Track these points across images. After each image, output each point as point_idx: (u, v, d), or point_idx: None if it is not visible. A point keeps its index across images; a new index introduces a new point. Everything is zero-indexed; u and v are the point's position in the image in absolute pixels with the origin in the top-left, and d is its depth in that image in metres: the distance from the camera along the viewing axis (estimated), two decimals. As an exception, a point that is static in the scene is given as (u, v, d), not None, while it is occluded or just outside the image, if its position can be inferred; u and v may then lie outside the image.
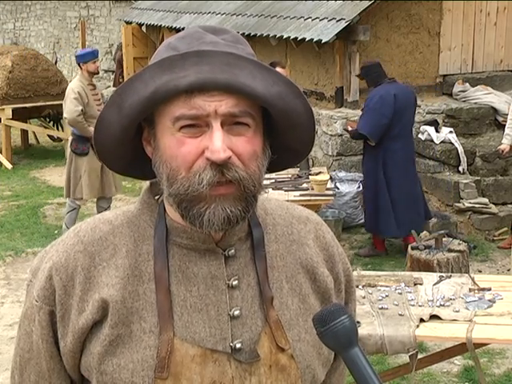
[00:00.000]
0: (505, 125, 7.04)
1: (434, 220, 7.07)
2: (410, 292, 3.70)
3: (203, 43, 1.19)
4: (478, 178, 7.58)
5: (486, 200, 7.37)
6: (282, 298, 1.30)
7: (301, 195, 6.08)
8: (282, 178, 6.47)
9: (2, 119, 10.81)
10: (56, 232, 7.56)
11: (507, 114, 6.94)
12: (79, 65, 7.05)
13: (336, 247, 1.41)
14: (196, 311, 1.24)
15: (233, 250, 1.28)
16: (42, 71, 11.18)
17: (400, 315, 3.44)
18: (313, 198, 6.08)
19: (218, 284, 1.26)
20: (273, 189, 6.21)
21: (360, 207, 7.41)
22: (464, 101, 8.42)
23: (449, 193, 7.46)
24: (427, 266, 5.15)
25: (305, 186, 6.33)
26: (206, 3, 11.18)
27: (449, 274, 4.03)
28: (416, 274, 4.02)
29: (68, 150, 7.23)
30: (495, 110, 8.23)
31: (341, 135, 7.87)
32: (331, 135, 8.07)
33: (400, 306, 3.54)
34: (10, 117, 10.79)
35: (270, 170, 1.29)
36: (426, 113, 8.24)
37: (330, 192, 6.30)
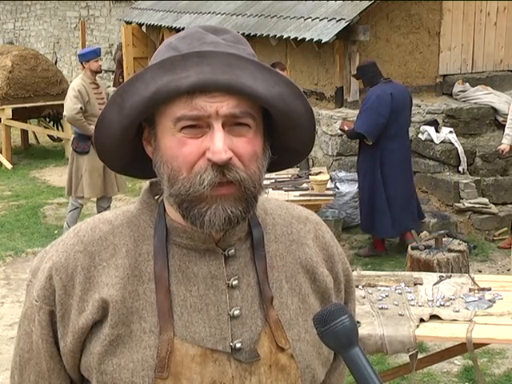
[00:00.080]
0: (505, 125, 7.04)
1: (433, 220, 7.07)
2: (410, 292, 3.71)
3: (204, 43, 1.19)
4: (478, 178, 7.58)
5: (486, 200, 7.37)
6: (281, 297, 1.30)
7: (301, 195, 6.08)
8: (282, 178, 6.47)
9: (2, 119, 10.81)
10: (56, 232, 7.57)
11: (507, 114, 6.94)
12: (82, 64, 7.08)
13: (335, 247, 1.41)
14: (196, 311, 1.24)
15: (233, 250, 1.28)
16: (41, 71, 11.18)
17: (400, 315, 3.44)
18: (313, 197, 6.08)
19: (217, 284, 1.26)
20: (273, 189, 6.21)
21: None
22: (464, 101, 8.42)
23: (449, 193, 7.46)
24: (427, 266, 5.15)
25: (305, 185, 6.34)
26: (206, 3, 11.18)
27: (449, 274, 4.04)
28: (416, 274, 4.02)
29: (70, 149, 7.26)
30: (495, 110, 8.23)
31: (341, 135, 7.87)
32: (331, 135, 8.07)
33: (400, 306, 3.54)
34: (10, 117, 10.80)
35: (271, 169, 1.29)
36: (426, 113, 8.24)
37: (330, 192, 6.30)
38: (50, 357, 1.29)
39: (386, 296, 3.66)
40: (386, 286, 3.77)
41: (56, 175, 10.25)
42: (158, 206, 1.30)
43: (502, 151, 6.93)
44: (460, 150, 7.72)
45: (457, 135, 7.87)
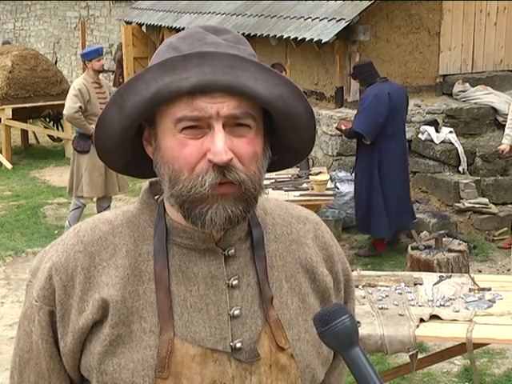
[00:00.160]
0: (505, 125, 7.04)
1: (433, 220, 7.07)
2: (410, 292, 3.71)
3: (205, 44, 1.19)
4: (478, 178, 7.58)
5: (486, 200, 7.37)
6: (281, 297, 1.30)
7: (301, 195, 6.08)
8: (282, 178, 6.47)
9: (2, 119, 10.81)
10: (56, 232, 7.57)
11: (507, 114, 6.94)
12: (84, 63, 7.09)
13: (335, 247, 1.42)
14: (196, 311, 1.25)
15: (233, 250, 1.28)
16: (41, 71, 11.18)
17: (400, 315, 3.45)
18: (313, 197, 6.08)
19: (217, 284, 1.26)
20: (273, 189, 6.21)
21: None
22: (464, 101, 8.42)
23: (449, 193, 7.46)
24: (427, 266, 5.15)
25: (305, 185, 6.34)
26: (206, 3, 11.18)
27: (449, 274, 4.04)
28: (416, 274, 4.02)
29: (71, 148, 7.30)
30: (495, 110, 8.23)
31: (341, 135, 7.87)
32: (331, 135, 8.07)
33: (400, 306, 3.54)
34: (10, 117, 10.80)
35: (271, 169, 1.30)
36: (426, 113, 8.24)
37: (330, 192, 6.30)
38: (50, 357, 1.29)
39: (386, 296, 3.66)
40: (386, 286, 3.77)
41: (56, 175, 10.25)
42: (158, 205, 1.30)
43: (502, 151, 6.93)
44: (460, 150, 7.72)
45: (457, 135, 7.87)
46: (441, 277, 3.93)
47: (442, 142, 7.80)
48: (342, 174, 7.68)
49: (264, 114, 1.23)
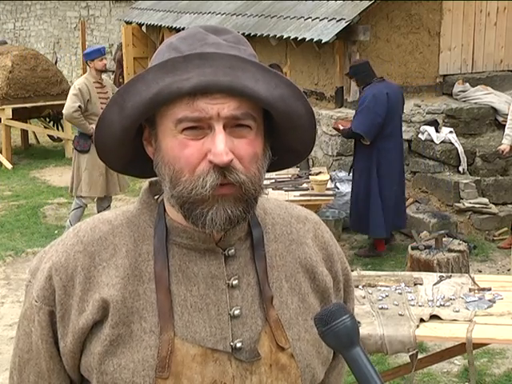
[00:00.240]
0: (505, 125, 7.05)
1: (433, 220, 7.08)
2: (410, 292, 3.71)
3: (205, 44, 1.19)
4: (478, 178, 7.58)
5: (486, 200, 7.37)
6: (281, 297, 1.30)
7: (301, 195, 6.08)
8: (282, 178, 6.47)
9: (2, 119, 10.81)
10: (56, 232, 7.57)
11: (507, 114, 6.94)
12: (87, 63, 7.11)
13: (334, 246, 1.42)
14: (196, 311, 1.25)
15: (233, 250, 1.28)
16: (41, 71, 11.18)
17: (400, 315, 3.45)
18: (313, 197, 6.08)
19: (218, 283, 1.26)
20: (273, 189, 6.21)
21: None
22: (464, 101, 8.42)
23: (449, 193, 7.46)
24: (427, 266, 5.15)
25: (305, 185, 6.34)
26: (206, 3, 11.18)
27: (449, 274, 4.04)
28: (416, 274, 4.02)
29: (71, 148, 7.33)
30: (495, 110, 8.23)
31: (341, 135, 7.87)
32: (331, 135, 8.07)
33: (400, 306, 3.54)
34: (10, 117, 10.80)
35: (271, 169, 1.30)
36: (426, 113, 8.24)
37: (330, 192, 6.30)
38: (50, 357, 1.28)
39: (386, 296, 3.66)
40: (386, 286, 3.77)
41: (56, 175, 10.25)
42: (158, 205, 1.30)
43: (502, 151, 6.93)
44: (460, 149, 7.72)
45: (457, 135, 7.87)
46: (441, 277, 3.93)
47: (442, 141, 7.80)
48: (342, 174, 7.68)
49: (264, 115, 1.23)
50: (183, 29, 9.23)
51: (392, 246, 6.99)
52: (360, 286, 3.77)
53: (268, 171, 1.28)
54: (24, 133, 12.07)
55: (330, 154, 8.15)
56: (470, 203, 7.28)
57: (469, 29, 8.72)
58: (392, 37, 8.43)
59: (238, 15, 10.08)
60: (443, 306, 3.54)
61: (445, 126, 8.08)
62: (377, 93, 6.44)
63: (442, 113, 8.25)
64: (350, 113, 8.00)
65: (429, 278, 3.92)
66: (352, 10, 7.99)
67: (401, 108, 6.72)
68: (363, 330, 3.26)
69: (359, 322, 3.29)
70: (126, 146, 1.26)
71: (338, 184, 7.45)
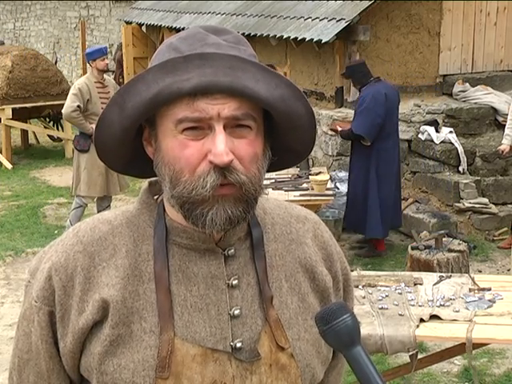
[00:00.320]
0: (505, 125, 7.05)
1: (433, 220, 7.08)
2: (410, 292, 3.71)
3: (206, 45, 1.19)
4: (478, 178, 7.58)
5: (486, 200, 7.37)
6: (281, 297, 1.30)
7: (301, 195, 6.08)
8: (282, 178, 6.47)
9: (2, 119, 10.81)
10: (56, 232, 7.57)
11: (507, 114, 6.94)
12: (89, 63, 7.11)
13: (334, 246, 1.42)
14: (196, 311, 1.25)
15: (232, 250, 1.28)
16: (41, 71, 11.17)
17: (400, 315, 3.45)
18: (313, 197, 6.08)
19: (218, 283, 1.26)
20: (273, 189, 6.21)
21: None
22: (464, 101, 8.43)
23: (449, 193, 7.46)
24: (427, 266, 5.15)
25: (305, 185, 6.34)
26: (206, 3, 11.18)
27: (449, 274, 4.04)
28: (416, 274, 4.02)
29: (71, 148, 7.36)
30: (495, 110, 8.23)
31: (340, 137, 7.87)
32: (331, 135, 8.06)
33: (400, 306, 3.54)
34: (10, 117, 10.80)
35: (271, 169, 1.30)
36: (426, 113, 8.24)
37: (330, 192, 6.30)
38: (50, 357, 1.28)
39: (386, 296, 3.66)
40: (386, 286, 3.77)
41: (56, 175, 10.25)
42: (158, 205, 1.30)
43: (502, 151, 6.93)
44: (460, 149, 7.72)
45: (457, 135, 7.87)
46: (441, 277, 3.93)
47: (442, 142, 7.80)
48: (342, 174, 7.67)
49: (264, 115, 1.23)
50: (183, 29, 9.23)
51: (392, 246, 6.99)
52: (360, 286, 3.77)
53: (268, 171, 1.28)
54: (24, 133, 12.07)
55: (330, 153, 8.15)
56: (470, 203, 7.28)
57: (469, 29, 8.72)
58: (392, 37, 8.43)
59: (238, 15, 10.08)
60: (443, 306, 3.54)
61: (445, 126, 8.08)
62: (375, 93, 6.45)
63: (441, 113, 8.25)
64: (350, 113, 8.00)
65: (429, 277, 3.92)
66: (352, 9, 7.99)
67: (398, 108, 6.73)
68: (363, 330, 3.26)
69: (359, 322, 3.29)
70: (126, 146, 1.26)
71: (337, 184, 7.45)
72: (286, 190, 6.21)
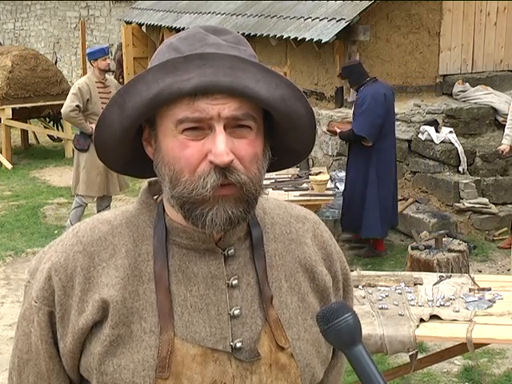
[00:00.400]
0: (505, 125, 7.05)
1: (433, 220, 7.08)
2: (410, 292, 3.71)
3: (206, 45, 1.19)
4: (478, 178, 7.58)
5: (486, 200, 7.37)
6: (281, 296, 1.30)
7: (301, 195, 6.08)
8: (282, 178, 6.47)
9: (2, 119, 10.81)
10: (56, 232, 7.57)
11: (507, 114, 6.94)
12: (90, 62, 7.11)
13: (334, 246, 1.42)
14: (196, 311, 1.25)
15: (232, 250, 1.28)
16: (41, 71, 11.17)
17: (400, 315, 3.45)
18: (313, 197, 6.08)
19: (217, 283, 1.26)
20: (273, 189, 6.21)
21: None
22: (464, 101, 8.43)
23: (449, 193, 7.46)
24: (427, 266, 5.15)
25: (305, 185, 6.34)
26: (206, 3, 11.18)
27: (449, 274, 4.04)
28: (416, 274, 4.02)
29: (71, 148, 7.38)
30: (495, 110, 8.23)
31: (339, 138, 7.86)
32: (331, 135, 8.06)
33: (400, 306, 3.54)
34: (10, 117, 10.80)
35: (271, 169, 1.30)
36: (426, 113, 8.24)
37: (330, 192, 6.30)
38: (50, 357, 1.28)
39: (386, 296, 3.66)
40: (386, 286, 3.77)
41: (56, 175, 10.25)
42: (157, 206, 1.30)
43: (502, 151, 6.93)
44: (460, 149, 7.72)
45: (457, 135, 7.87)
46: (441, 277, 3.93)
47: (442, 142, 7.80)
48: (342, 174, 7.66)
49: (264, 115, 1.23)
50: (183, 29, 9.23)
51: (392, 246, 6.99)
52: (360, 286, 3.77)
53: (268, 171, 1.28)
54: (24, 133, 12.07)
55: (330, 154, 8.15)
56: (470, 203, 7.28)
57: (469, 29, 8.72)
58: (392, 37, 8.43)
59: (238, 15, 10.08)
60: (443, 306, 3.54)
61: (445, 126, 8.08)
62: (374, 93, 6.45)
63: (441, 113, 8.25)
64: (350, 113, 7.99)
65: (429, 278, 3.92)
66: (352, 9, 7.99)
67: (394, 107, 6.75)
68: (363, 330, 3.25)
69: (359, 322, 3.29)
70: (126, 147, 1.26)
71: (337, 184, 7.44)
72: (286, 190, 6.21)
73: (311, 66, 8.87)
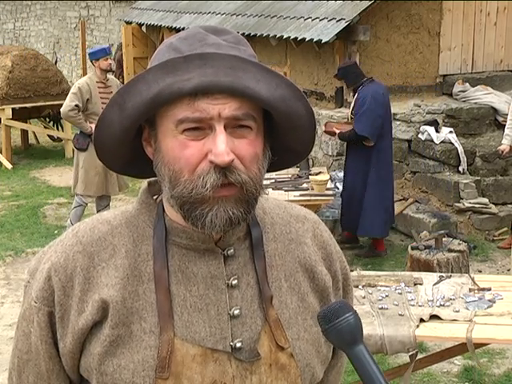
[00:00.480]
0: (505, 125, 7.05)
1: (433, 220, 7.08)
2: (410, 292, 3.71)
3: (206, 45, 1.19)
4: (478, 178, 7.59)
5: (486, 200, 7.37)
6: (281, 296, 1.30)
7: (301, 195, 6.08)
8: (282, 178, 6.47)
9: (2, 119, 10.81)
10: (56, 232, 7.57)
11: (507, 114, 6.94)
12: (92, 62, 7.11)
13: (333, 245, 1.42)
14: (196, 311, 1.25)
15: (232, 250, 1.28)
16: (41, 71, 11.18)
17: (400, 315, 3.45)
18: (313, 197, 6.08)
19: (217, 283, 1.26)
20: (273, 189, 6.21)
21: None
22: (464, 101, 8.43)
23: (449, 193, 7.46)
24: (427, 266, 5.15)
25: (305, 185, 6.34)
26: (206, 3, 11.18)
27: (449, 274, 4.04)
28: (416, 274, 4.02)
29: (71, 148, 7.39)
30: (495, 110, 8.23)
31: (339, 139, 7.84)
32: (330, 137, 8.05)
33: (400, 306, 3.54)
34: (10, 117, 10.80)
35: (270, 169, 1.30)
36: (426, 113, 8.24)
37: (330, 192, 6.30)
38: (50, 358, 1.28)
39: (386, 296, 3.66)
40: (386, 286, 3.77)
41: (56, 175, 10.25)
42: (157, 206, 1.30)
43: (502, 151, 6.93)
44: (460, 149, 7.72)
45: (457, 135, 7.87)
46: (441, 277, 3.93)
47: (442, 142, 7.80)
48: (342, 174, 7.67)
49: (264, 115, 1.23)
50: (183, 29, 9.23)
51: (392, 246, 6.99)
52: (360, 286, 3.77)
53: (268, 171, 1.28)
54: (24, 133, 12.07)
55: (330, 154, 8.15)
56: (470, 203, 7.28)
57: (469, 29, 8.72)
58: (392, 37, 8.43)
59: (238, 15, 10.08)
60: (443, 305, 3.54)
61: (445, 126, 8.08)
62: (374, 94, 6.47)
63: (441, 113, 8.25)
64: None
65: (429, 277, 3.92)
66: (352, 9, 7.99)
67: (390, 107, 6.78)
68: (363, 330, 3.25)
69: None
70: (126, 147, 1.26)
71: (337, 184, 7.44)
72: (286, 190, 6.21)
73: (311, 66, 8.87)
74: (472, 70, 8.82)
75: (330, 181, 6.50)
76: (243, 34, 8.69)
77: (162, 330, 1.22)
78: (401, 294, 3.69)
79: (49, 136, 12.39)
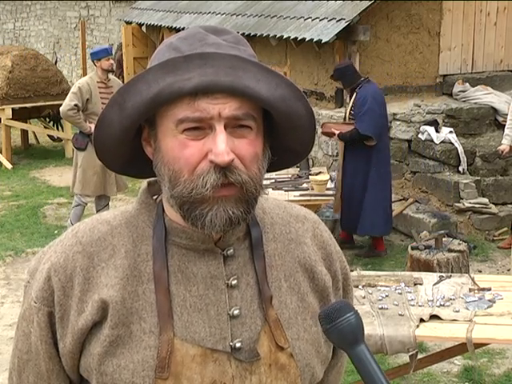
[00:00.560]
0: (505, 125, 7.05)
1: (433, 220, 7.08)
2: (410, 292, 3.71)
3: (206, 44, 1.19)
4: (478, 178, 7.59)
5: (486, 200, 7.37)
6: (280, 296, 1.30)
7: (301, 195, 6.08)
8: (282, 178, 6.47)
9: (2, 119, 10.81)
10: (56, 232, 7.57)
11: (507, 114, 6.94)
12: (93, 62, 7.12)
13: (333, 245, 1.42)
14: (196, 311, 1.24)
15: (231, 250, 1.28)
16: (41, 71, 11.18)
17: (400, 315, 3.45)
18: (313, 197, 6.08)
19: (217, 284, 1.26)
20: (273, 189, 6.21)
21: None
22: (464, 101, 8.43)
23: (449, 193, 7.46)
24: (427, 266, 5.15)
25: (305, 185, 6.34)
26: (206, 3, 11.18)
27: (449, 274, 4.04)
28: (416, 274, 4.02)
29: (71, 148, 7.40)
30: (495, 110, 8.23)
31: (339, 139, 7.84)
32: (329, 138, 8.05)
33: (400, 306, 3.54)
34: (10, 117, 10.80)
35: (270, 169, 1.30)
36: (426, 113, 8.24)
37: (330, 192, 6.30)
38: (49, 358, 1.28)
39: (386, 296, 3.66)
40: (386, 286, 3.77)
41: (56, 175, 10.25)
42: (157, 206, 1.30)
43: (502, 151, 6.92)
44: (460, 149, 7.72)
45: (457, 135, 7.87)
46: (441, 277, 3.93)
47: (442, 142, 7.80)
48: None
49: (264, 115, 1.23)
50: (183, 29, 9.22)
51: (392, 246, 6.99)
52: (360, 286, 3.77)
53: (268, 171, 1.27)
54: (24, 133, 12.07)
55: (330, 154, 8.15)
56: (470, 203, 7.28)
57: (469, 29, 8.72)
58: (392, 37, 8.43)
59: (238, 15, 10.08)
60: (443, 305, 3.54)
61: (445, 126, 8.08)
62: (374, 93, 6.48)
63: (441, 113, 8.25)
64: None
65: (429, 277, 3.92)
66: (352, 9, 7.99)
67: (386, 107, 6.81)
68: (363, 330, 3.25)
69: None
70: (125, 146, 1.26)
71: (337, 184, 7.44)
72: (286, 190, 6.21)
73: (311, 66, 8.87)
74: (472, 70, 8.82)
75: (329, 181, 6.49)
76: (243, 34, 8.69)
77: (161, 330, 1.22)
78: (401, 293, 3.69)
79: (49, 136, 12.39)
